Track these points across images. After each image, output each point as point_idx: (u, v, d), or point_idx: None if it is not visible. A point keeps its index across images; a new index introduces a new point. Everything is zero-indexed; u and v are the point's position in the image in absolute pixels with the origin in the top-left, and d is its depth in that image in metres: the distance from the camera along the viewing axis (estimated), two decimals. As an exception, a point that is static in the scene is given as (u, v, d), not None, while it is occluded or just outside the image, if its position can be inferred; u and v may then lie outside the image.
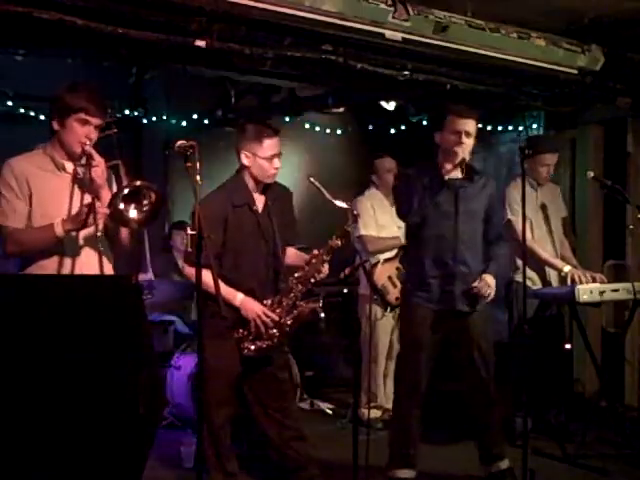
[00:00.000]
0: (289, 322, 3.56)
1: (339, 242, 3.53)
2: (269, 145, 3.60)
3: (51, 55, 4.31)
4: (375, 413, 5.19)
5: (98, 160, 3.08)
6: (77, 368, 2.43)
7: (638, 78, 5.38)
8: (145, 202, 3.04)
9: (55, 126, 3.15)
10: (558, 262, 4.80)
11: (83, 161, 3.15)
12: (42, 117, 6.01)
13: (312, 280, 3.57)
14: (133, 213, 3.03)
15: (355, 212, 3.61)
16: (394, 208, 5.42)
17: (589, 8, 4.82)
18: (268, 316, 3.53)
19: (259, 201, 3.69)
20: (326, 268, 3.58)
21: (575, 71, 5.18)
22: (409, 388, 3.98)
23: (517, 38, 4.82)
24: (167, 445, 4.46)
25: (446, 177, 3.89)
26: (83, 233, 3.14)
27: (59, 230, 3.05)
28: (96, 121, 3.14)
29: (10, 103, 5.91)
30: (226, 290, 3.51)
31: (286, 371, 3.94)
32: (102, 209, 3.02)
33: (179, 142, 2.95)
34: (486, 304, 4.00)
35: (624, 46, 5.22)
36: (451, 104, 3.97)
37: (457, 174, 3.93)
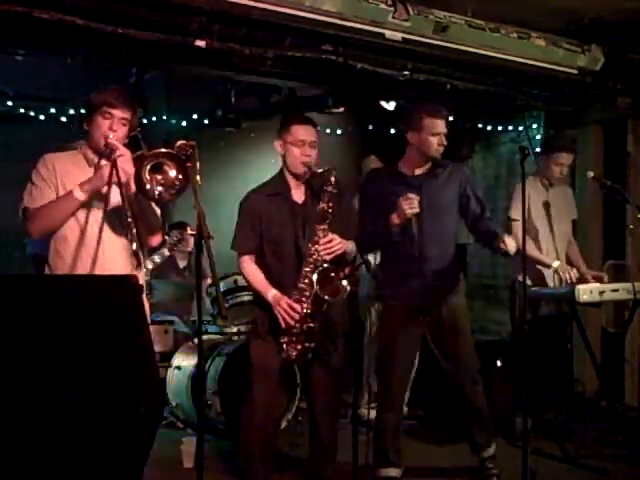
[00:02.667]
0: (309, 310, 3.48)
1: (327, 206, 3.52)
2: (297, 130, 3.61)
3: (51, 55, 4.31)
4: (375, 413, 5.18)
5: (123, 150, 3.09)
6: (77, 368, 2.43)
7: (638, 78, 5.38)
8: (172, 174, 3.02)
9: (86, 127, 3.22)
10: (547, 259, 4.79)
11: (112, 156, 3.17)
12: (42, 117, 6.02)
13: (320, 258, 3.49)
14: (159, 187, 3.02)
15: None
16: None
17: (589, 8, 4.82)
18: (290, 306, 3.49)
19: (299, 192, 3.67)
20: (334, 242, 3.51)
21: (575, 71, 5.18)
22: (384, 386, 4.01)
23: (517, 38, 4.82)
24: (167, 445, 4.46)
25: (411, 174, 3.90)
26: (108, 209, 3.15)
27: (78, 193, 3.09)
28: (119, 113, 3.15)
29: (10, 103, 5.91)
30: (262, 284, 3.60)
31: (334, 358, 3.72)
32: (126, 166, 3.02)
33: (179, 142, 2.95)
34: (460, 298, 3.98)
35: (624, 46, 5.22)
36: (424, 104, 3.94)
37: (422, 171, 3.93)
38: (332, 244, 3.51)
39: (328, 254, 3.50)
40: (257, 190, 3.72)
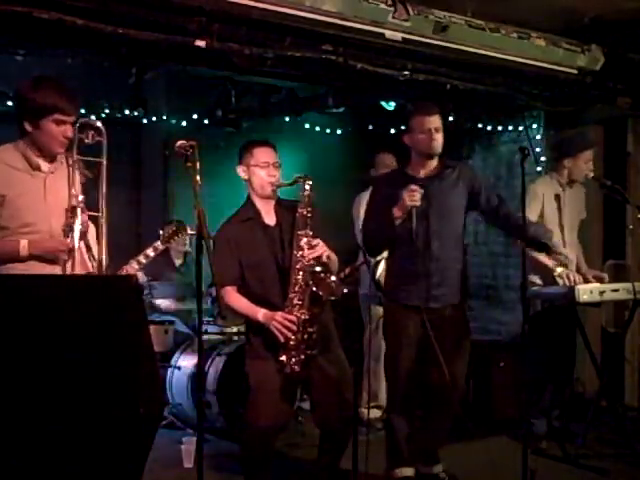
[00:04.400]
0: (306, 316, 3.45)
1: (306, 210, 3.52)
2: (259, 152, 3.63)
3: (51, 55, 4.31)
4: (375, 413, 5.18)
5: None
6: (77, 368, 2.43)
7: (638, 78, 5.39)
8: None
9: (28, 128, 3.07)
10: (551, 263, 4.77)
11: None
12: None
13: (307, 263, 3.48)
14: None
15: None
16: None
17: (589, 8, 4.83)
18: (286, 318, 3.45)
19: (269, 215, 3.68)
20: (319, 246, 3.50)
21: (575, 71, 5.19)
22: (392, 388, 4.02)
23: (517, 38, 4.83)
24: (167, 445, 4.46)
25: (417, 175, 3.87)
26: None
27: (24, 252, 3.03)
28: (71, 119, 3.11)
29: (10, 103, 5.90)
30: (249, 308, 3.58)
31: (336, 365, 3.70)
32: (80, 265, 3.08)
33: (179, 142, 2.94)
34: (463, 301, 3.98)
35: (624, 46, 5.22)
36: (414, 104, 3.98)
37: (428, 172, 3.90)
38: (316, 247, 3.50)
39: (314, 257, 3.48)
40: (229, 220, 3.71)
